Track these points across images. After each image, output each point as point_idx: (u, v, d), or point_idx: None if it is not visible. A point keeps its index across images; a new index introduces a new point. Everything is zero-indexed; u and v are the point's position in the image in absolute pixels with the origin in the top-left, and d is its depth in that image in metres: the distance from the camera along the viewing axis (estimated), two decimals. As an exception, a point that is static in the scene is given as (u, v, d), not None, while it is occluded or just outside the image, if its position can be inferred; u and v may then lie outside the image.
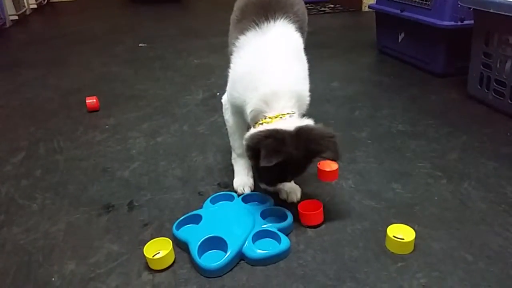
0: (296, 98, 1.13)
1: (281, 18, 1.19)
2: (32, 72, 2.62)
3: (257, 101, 1.11)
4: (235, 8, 1.34)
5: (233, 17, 1.32)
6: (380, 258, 1.04)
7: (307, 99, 1.18)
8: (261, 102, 1.11)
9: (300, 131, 1.06)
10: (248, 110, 1.14)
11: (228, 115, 1.30)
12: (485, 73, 1.89)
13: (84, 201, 1.30)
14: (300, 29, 1.25)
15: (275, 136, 1.04)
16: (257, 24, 1.18)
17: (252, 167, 1.27)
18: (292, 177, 1.16)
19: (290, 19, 1.21)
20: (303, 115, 1.17)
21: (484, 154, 1.50)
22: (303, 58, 1.23)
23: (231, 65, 1.23)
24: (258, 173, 1.18)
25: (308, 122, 1.11)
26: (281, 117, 1.09)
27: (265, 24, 1.18)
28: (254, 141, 1.06)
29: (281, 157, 1.01)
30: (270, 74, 1.12)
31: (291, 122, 1.08)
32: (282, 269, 1.01)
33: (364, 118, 1.84)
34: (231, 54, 1.24)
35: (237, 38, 1.21)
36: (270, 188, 1.19)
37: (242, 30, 1.20)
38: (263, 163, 1.00)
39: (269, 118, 1.10)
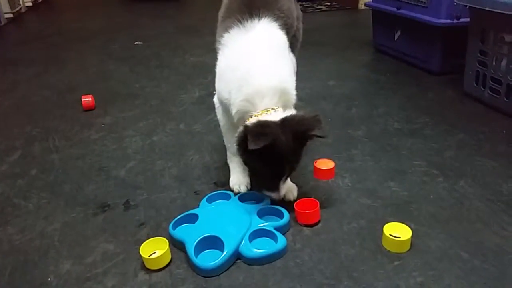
0: (279, 95, 1.13)
1: (265, 16, 1.19)
2: (27, 70, 2.61)
3: (241, 102, 1.12)
4: (222, 5, 1.34)
5: (220, 14, 1.33)
6: (377, 257, 1.04)
7: (293, 97, 1.18)
8: (245, 102, 1.12)
9: (285, 119, 1.08)
10: (233, 111, 1.15)
11: (220, 115, 1.31)
12: (481, 71, 1.89)
13: (80, 201, 1.30)
14: (285, 25, 1.25)
15: (261, 124, 1.06)
16: (240, 22, 1.18)
17: (249, 171, 1.26)
18: (290, 166, 1.12)
19: (274, 17, 1.21)
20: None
21: (480, 152, 1.51)
22: (287, 56, 1.23)
23: (217, 62, 1.24)
24: (255, 175, 1.17)
25: (292, 111, 1.12)
26: (266, 113, 1.10)
27: (249, 21, 1.18)
28: (240, 135, 1.08)
29: (268, 139, 1.01)
30: (253, 73, 1.13)
31: (275, 115, 1.10)
32: (279, 268, 1.01)
33: (360, 116, 1.84)
34: (217, 52, 1.25)
35: (222, 35, 1.21)
36: (275, 195, 1.16)
37: (226, 28, 1.21)
38: (251, 146, 1.00)
39: (255, 116, 1.11)
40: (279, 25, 1.22)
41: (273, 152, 1.05)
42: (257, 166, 1.12)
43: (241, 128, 1.09)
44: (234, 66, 1.17)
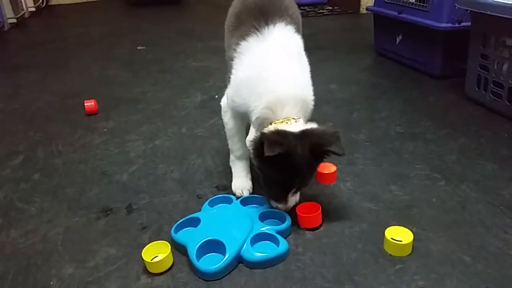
0: (301, 104, 1.13)
1: (280, 21, 1.19)
2: (30, 75, 2.62)
3: (262, 109, 1.11)
4: (229, 15, 1.34)
5: (228, 23, 1.32)
6: (379, 260, 1.04)
7: (311, 103, 1.18)
8: (266, 109, 1.11)
9: (304, 131, 1.07)
10: (253, 117, 1.14)
11: (227, 118, 1.30)
12: (482, 75, 1.89)
13: (82, 205, 1.30)
14: (297, 30, 1.25)
15: (279, 133, 1.05)
16: (257, 29, 1.17)
17: (258, 175, 1.26)
18: (301, 180, 1.11)
19: (287, 22, 1.21)
20: (310, 120, 1.18)
21: (482, 155, 1.51)
22: (305, 59, 1.23)
23: (233, 71, 1.21)
24: (266, 183, 1.16)
25: (313, 125, 1.11)
26: (286, 122, 1.10)
27: (265, 28, 1.17)
28: (257, 140, 1.07)
29: (283, 148, 1.01)
30: (274, 81, 1.12)
31: (295, 125, 1.09)
32: (281, 272, 1.01)
33: (362, 120, 1.84)
34: (232, 60, 1.22)
35: (238, 43, 1.19)
36: (281, 207, 1.16)
37: (243, 35, 1.19)
38: (266, 153, 0.99)
39: (274, 123, 1.10)
40: (294, 29, 1.22)
41: (287, 162, 1.04)
42: (270, 174, 1.12)
43: (258, 134, 1.09)
44: (254, 74, 1.15)
